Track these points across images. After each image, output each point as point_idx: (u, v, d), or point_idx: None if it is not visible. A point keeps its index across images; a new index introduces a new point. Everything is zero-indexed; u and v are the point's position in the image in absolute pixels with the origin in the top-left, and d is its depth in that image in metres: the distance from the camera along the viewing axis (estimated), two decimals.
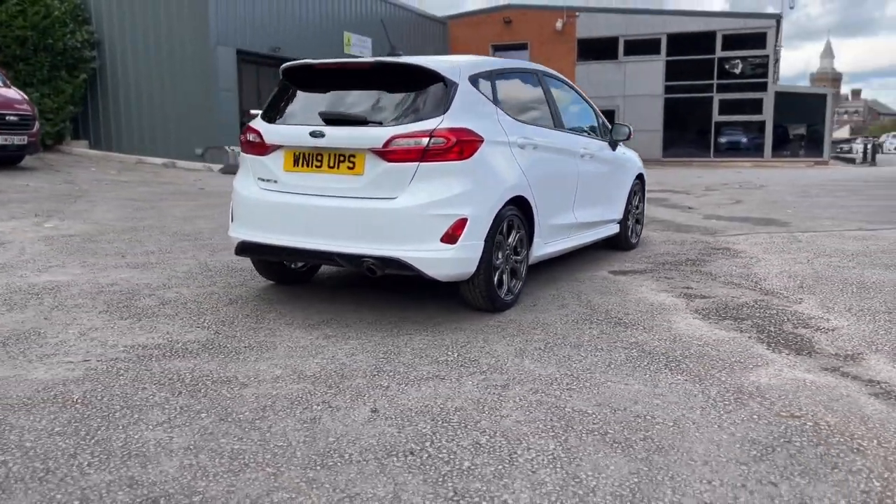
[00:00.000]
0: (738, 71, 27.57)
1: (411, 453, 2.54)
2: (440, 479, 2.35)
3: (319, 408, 2.95)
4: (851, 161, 28.06)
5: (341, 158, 4.06)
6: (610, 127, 6.21)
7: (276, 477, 2.40)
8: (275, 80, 5.02)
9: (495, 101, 4.44)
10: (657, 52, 28.26)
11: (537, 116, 4.97)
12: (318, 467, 2.45)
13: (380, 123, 4.05)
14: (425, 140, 3.89)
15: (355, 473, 2.40)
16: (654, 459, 2.46)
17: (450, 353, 3.62)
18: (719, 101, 27.41)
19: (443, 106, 4.04)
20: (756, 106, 27.13)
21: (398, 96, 4.18)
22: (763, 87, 26.82)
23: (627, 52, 28.82)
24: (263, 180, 4.33)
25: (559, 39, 29.96)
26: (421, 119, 3.98)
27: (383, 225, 3.93)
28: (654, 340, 3.78)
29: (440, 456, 2.51)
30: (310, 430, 2.74)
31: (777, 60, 29.36)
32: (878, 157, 28.81)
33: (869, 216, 8.91)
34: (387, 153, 3.93)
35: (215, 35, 18.40)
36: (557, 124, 5.18)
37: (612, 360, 3.48)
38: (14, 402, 3.01)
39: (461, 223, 3.90)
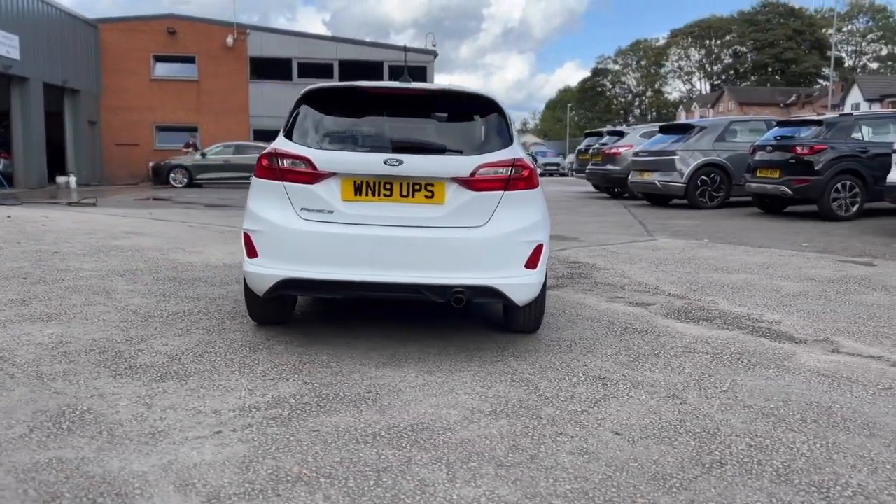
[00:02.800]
0: None
1: (722, 464, 2.76)
2: (784, 479, 2.64)
3: (569, 438, 2.96)
4: None
5: (416, 187, 3.92)
6: None
7: None
8: None
9: None
10: (331, 76, 29.25)
11: None
12: (676, 490, 2.55)
13: (459, 152, 4.01)
14: (508, 169, 3.98)
15: (712, 487, 2.56)
16: (882, 434, 3.05)
17: (571, 374, 3.78)
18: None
19: (506, 135, 4.16)
20: None
21: (462, 125, 4.17)
22: None
23: (302, 75, 29.30)
24: (311, 210, 3.93)
25: (230, 56, 29.22)
26: (496, 148, 4.05)
27: (474, 253, 3.90)
28: (696, 343, 4.39)
29: (748, 461, 2.77)
30: (601, 460, 2.76)
31: None
32: None
33: (620, 229, 10.75)
34: (473, 182, 3.92)
35: None
36: None
37: (704, 362, 4.00)
38: (246, 491, 2.46)
39: (539, 249, 4.06)
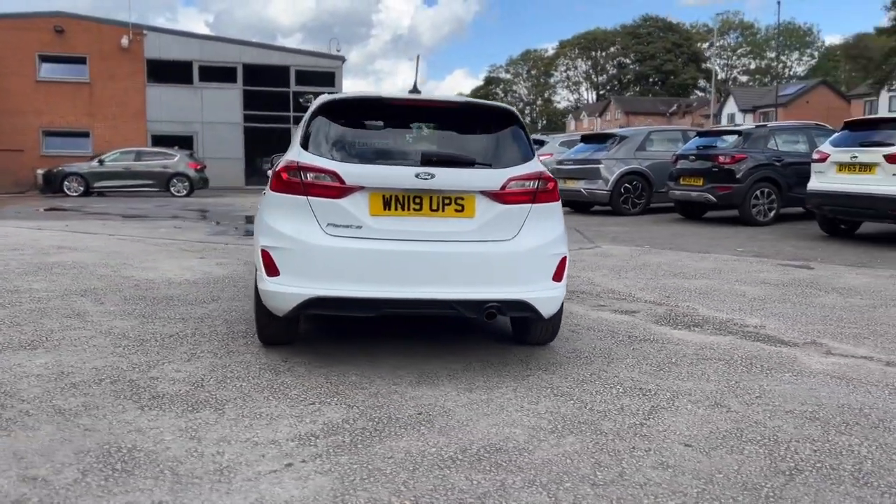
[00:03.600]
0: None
1: (800, 470, 2.84)
2: (864, 483, 2.73)
3: (645, 452, 2.97)
4: None
5: (447, 201, 3.84)
6: None
7: None
8: None
9: None
10: (234, 80, 28.37)
11: None
12: (773, 499, 2.60)
13: (488, 165, 3.96)
14: (535, 182, 3.97)
15: (804, 495, 2.62)
16: None
17: (607, 386, 3.80)
18: None
19: (527, 148, 4.14)
20: None
21: (486, 137, 4.13)
22: None
23: (203, 78, 28.26)
24: (338, 226, 3.77)
25: (125, 57, 27.81)
26: (521, 161, 4.03)
27: (505, 268, 3.87)
28: (703, 350, 4.51)
29: (821, 467, 2.86)
30: (686, 473, 2.79)
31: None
32: None
33: None
34: (504, 195, 3.88)
35: None
36: None
37: (722, 369, 4.10)
38: None
39: (564, 261, 4.07)
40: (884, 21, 62.12)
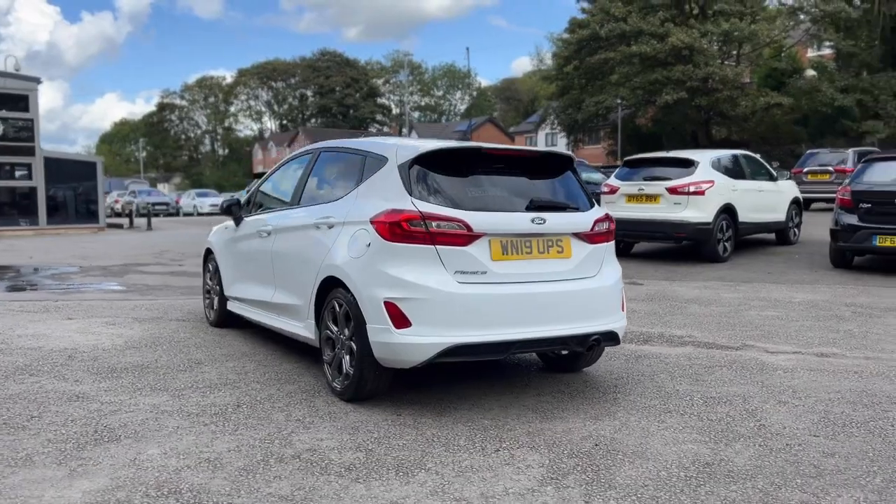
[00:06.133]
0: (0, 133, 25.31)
1: None
2: None
3: (800, 447, 3.59)
4: (120, 227, 28.91)
5: (549, 243, 4.10)
6: None
7: None
8: None
9: None
10: None
11: None
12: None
13: (576, 209, 4.26)
14: (607, 223, 4.40)
15: None
16: None
17: (686, 399, 4.35)
18: None
19: (585, 191, 4.53)
20: (25, 171, 25.44)
21: (564, 182, 4.42)
22: (31, 151, 25.36)
23: None
24: (466, 273, 3.82)
25: None
26: (589, 204, 4.42)
27: (598, 302, 4.23)
28: (696, 360, 5.26)
29: None
30: (853, 456, 3.47)
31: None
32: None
33: None
34: (592, 236, 4.24)
35: None
36: None
37: (733, 374, 4.89)
38: None
39: (623, 293, 4.54)
40: (529, 67, 72.32)
